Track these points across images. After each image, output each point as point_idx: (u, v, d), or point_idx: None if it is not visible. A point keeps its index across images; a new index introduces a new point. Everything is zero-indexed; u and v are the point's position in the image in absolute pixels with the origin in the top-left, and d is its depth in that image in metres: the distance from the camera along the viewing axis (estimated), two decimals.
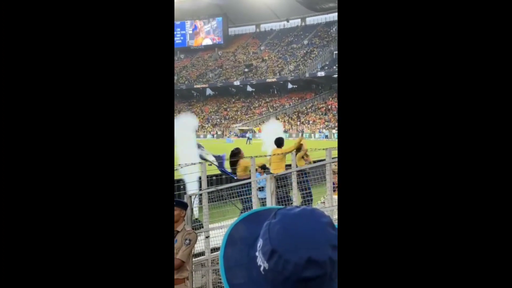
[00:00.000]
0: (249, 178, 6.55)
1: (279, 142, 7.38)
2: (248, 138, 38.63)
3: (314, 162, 7.15)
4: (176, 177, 7.02)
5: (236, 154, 7.04)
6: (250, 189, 5.84)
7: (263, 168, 7.60)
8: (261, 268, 0.66)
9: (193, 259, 4.85)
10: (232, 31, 73.29)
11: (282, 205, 4.75)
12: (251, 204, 6.18)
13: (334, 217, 6.08)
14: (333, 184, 6.58)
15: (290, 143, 7.74)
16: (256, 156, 6.84)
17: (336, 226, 0.69)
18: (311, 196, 6.17)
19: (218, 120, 58.48)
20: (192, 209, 5.63)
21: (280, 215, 0.68)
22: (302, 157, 7.33)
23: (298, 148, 7.53)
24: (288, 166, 7.61)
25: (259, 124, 52.86)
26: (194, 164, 7.03)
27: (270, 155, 7.28)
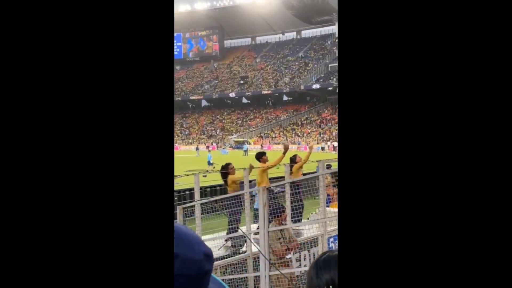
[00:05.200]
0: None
1: (257, 157, 7.29)
2: (245, 150, 38.73)
3: (305, 174, 7.16)
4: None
5: (225, 169, 7.01)
6: (240, 202, 5.84)
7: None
8: None
9: None
10: (228, 43, 73.74)
11: (279, 215, 4.74)
12: (239, 217, 6.17)
13: (328, 228, 6.08)
14: (328, 196, 6.59)
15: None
16: (252, 168, 6.85)
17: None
18: (302, 208, 6.17)
19: (214, 131, 58.50)
20: (184, 221, 5.61)
21: None
22: (300, 168, 7.34)
23: (293, 160, 7.55)
24: (282, 178, 7.64)
25: (254, 136, 52.95)
26: (187, 175, 7.03)
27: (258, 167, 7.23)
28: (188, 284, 0.66)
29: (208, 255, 0.68)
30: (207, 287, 0.70)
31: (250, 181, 6.46)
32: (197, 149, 41.89)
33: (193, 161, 28.35)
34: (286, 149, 7.07)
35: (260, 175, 7.03)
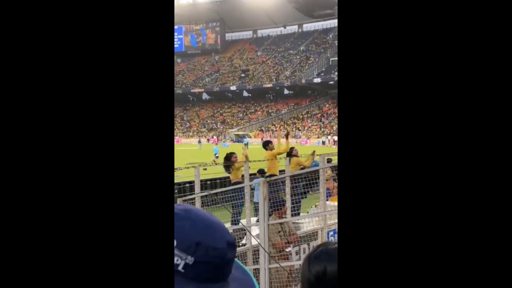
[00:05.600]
0: (242, 181, 6.60)
1: (264, 145, 7.64)
2: (246, 143, 38.77)
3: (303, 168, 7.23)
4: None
5: (229, 158, 7.11)
6: (242, 194, 5.86)
7: (261, 173, 7.65)
8: (180, 267, 0.66)
9: None
10: (229, 36, 73.46)
11: (279, 208, 4.76)
12: (241, 210, 6.20)
13: (328, 222, 6.10)
14: (328, 190, 6.62)
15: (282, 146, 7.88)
16: (251, 161, 6.87)
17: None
18: (299, 202, 6.20)
19: (214, 124, 58.46)
20: None
21: (183, 211, 0.71)
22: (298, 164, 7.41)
23: (289, 153, 7.60)
24: (282, 171, 7.72)
25: (255, 129, 52.93)
26: (188, 168, 7.03)
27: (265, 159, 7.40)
28: (212, 271, 0.67)
29: (231, 244, 0.70)
30: (229, 275, 0.71)
31: (250, 175, 6.49)
32: (199, 142, 42.58)
33: (196, 154, 28.51)
34: (287, 135, 7.49)
35: (270, 161, 7.15)
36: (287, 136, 7.87)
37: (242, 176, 6.79)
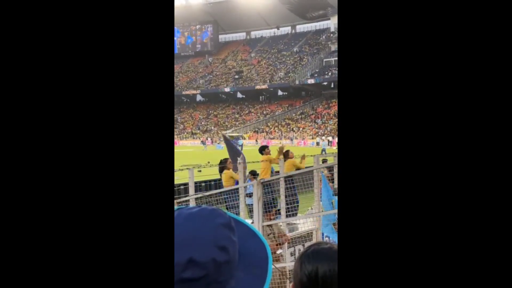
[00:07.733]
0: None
1: (260, 150, 7.79)
2: (240, 145, 38.85)
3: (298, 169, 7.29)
4: None
5: (223, 163, 7.17)
6: (236, 196, 5.85)
7: (253, 175, 7.65)
8: None
9: None
10: (223, 38, 73.41)
11: (269, 211, 4.76)
12: (238, 211, 6.20)
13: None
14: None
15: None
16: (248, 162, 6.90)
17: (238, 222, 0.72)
18: (297, 202, 6.20)
19: (208, 126, 58.38)
20: None
21: (175, 214, 0.69)
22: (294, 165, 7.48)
23: (286, 155, 7.64)
24: (277, 172, 7.77)
25: (249, 131, 52.93)
26: (182, 170, 7.02)
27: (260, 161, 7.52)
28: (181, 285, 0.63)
29: (194, 262, 0.63)
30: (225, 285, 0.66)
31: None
32: (203, 143, 43.02)
33: (201, 154, 28.53)
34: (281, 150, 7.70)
35: (264, 167, 7.26)
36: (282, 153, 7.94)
37: (236, 182, 6.87)
